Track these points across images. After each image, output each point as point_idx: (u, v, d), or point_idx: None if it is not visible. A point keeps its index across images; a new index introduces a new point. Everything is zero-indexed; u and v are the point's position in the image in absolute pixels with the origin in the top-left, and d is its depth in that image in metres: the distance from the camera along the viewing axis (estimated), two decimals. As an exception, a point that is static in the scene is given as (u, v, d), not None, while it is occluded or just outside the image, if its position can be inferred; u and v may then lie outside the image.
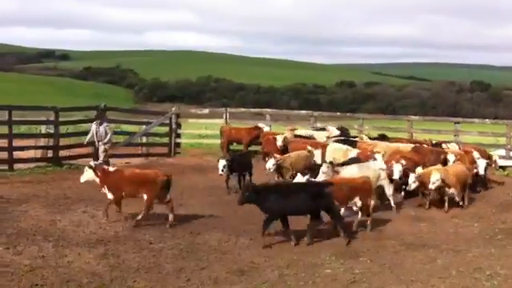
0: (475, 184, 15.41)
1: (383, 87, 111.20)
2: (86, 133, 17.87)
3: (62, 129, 19.28)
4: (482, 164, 15.42)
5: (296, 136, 18.75)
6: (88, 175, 12.06)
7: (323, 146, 16.56)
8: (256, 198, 10.85)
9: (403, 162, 14.23)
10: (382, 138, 18.56)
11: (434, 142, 17.90)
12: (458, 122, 21.51)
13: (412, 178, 13.55)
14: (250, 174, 15.59)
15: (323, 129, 20.07)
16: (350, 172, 12.93)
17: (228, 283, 9.01)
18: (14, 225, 11.45)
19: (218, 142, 21.39)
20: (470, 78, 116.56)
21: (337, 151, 15.81)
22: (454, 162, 15.07)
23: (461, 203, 13.75)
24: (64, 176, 16.56)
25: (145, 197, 11.82)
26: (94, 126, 16.99)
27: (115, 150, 19.54)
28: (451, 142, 18.76)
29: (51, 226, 11.54)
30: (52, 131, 18.49)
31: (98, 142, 16.95)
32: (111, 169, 12.36)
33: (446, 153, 15.79)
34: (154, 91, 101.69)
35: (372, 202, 12.35)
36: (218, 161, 15.13)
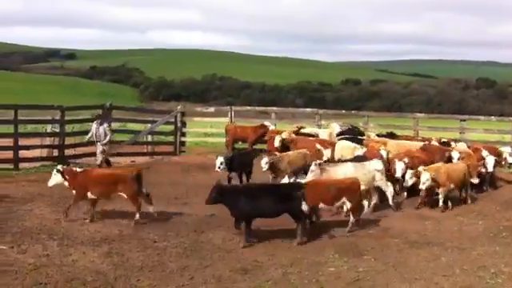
0: (482, 182, 15.27)
1: (389, 84, 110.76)
2: (91, 132, 17.91)
3: (68, 128, 19.36)
4: (490, 161, 15.20)
5: (301, 134, 18.70)
6: (56, 179, 12.16)
7: (331, 144, 16.51)
8: (223, 199, 10.89)
9: (406, 160, 14.18)
10: (391, 136, 18.49)
11: (442, 140, 17.76)
12: (464, 120, 21.46)
13: (409, 174, 13.51)
14: (249, 173, 15.42)
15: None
16: (344, 172, 12.79)
17: (232, 281, 9.02)
18: (18, 224, 11.52)
19: (224, 140, 21.40)
20: (476, 75, 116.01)
21: (345, 149, 15.78)
22: (458, 159, 14.97)
23: (443, 204, 13.51)
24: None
25: (125, 196, 11.96)
26: (94, 126, 17.04)
27: (121, 148, 19.63)
28: (457, 139, 18.68)
29: (56, 224, 11.60)
30: (58, 130, 18.56)
31: (97, 142, 16.94)
32: (78, 170, 12.45)
33: (451, 151, 15.70)
34: (160, 90, 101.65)
35: (365, 203, 12.36)
36: (217, 157, 15.11)
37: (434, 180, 13.20)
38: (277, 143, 17.26)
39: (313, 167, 12.73)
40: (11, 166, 17.16)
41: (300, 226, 10.85)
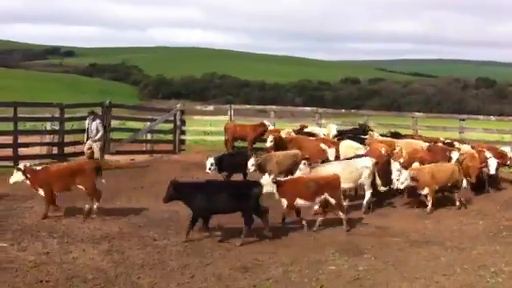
0: (483, 183, 15.19)
1: (388, 83, 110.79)
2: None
3: (68, 125, 19.32)
4: (492, 163, 15.04)
5: (304, 133, 18.58)
6: (17, 177, 12.21)
7: (334, 144, 16.45)
8: (180, 195, 10.89)
9: (401, 160, 14.15)
10: (395, 135, 18.41)
11: (446, 141, 17.65)
12: (463, 119, 21.44)
13: (404, 174, 13.42)
14: (245, 175, 14.82)
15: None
16: (331, 170, 12.76)
17: (232, 280, 9.03)
18: (18, 221, 11.54)
19: (223, 138, 21.33)
20: (475, 75, 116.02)
21: (348, 148, 15.77)
22: (457, 159, 14.90)
23: (430, 206, 13.43)
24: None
25: (84, 188, 12.09)
26: (87, 122, 17.03)
27: (120, 146, 19.60)
28: (457, 139, 18.62)
29: (56, 222, 11.62)
30: (57, 128, 18.54)
31: (89, 137, 16.90)
32: (38, 168, 12.52)
33: (451, 151, 15.64)
34: (159, 88, 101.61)
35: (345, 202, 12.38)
36: (207, 158, 14.99)
37: (414, 179, 13.14)
38: (268, 143, 16.71)
39: (301, 166, 12.92)
40: (11, 164, 17.10)
41: (247, 226, 10.83)
